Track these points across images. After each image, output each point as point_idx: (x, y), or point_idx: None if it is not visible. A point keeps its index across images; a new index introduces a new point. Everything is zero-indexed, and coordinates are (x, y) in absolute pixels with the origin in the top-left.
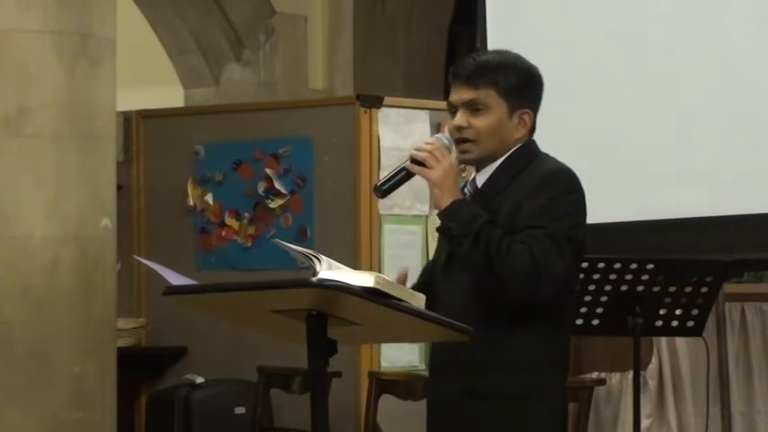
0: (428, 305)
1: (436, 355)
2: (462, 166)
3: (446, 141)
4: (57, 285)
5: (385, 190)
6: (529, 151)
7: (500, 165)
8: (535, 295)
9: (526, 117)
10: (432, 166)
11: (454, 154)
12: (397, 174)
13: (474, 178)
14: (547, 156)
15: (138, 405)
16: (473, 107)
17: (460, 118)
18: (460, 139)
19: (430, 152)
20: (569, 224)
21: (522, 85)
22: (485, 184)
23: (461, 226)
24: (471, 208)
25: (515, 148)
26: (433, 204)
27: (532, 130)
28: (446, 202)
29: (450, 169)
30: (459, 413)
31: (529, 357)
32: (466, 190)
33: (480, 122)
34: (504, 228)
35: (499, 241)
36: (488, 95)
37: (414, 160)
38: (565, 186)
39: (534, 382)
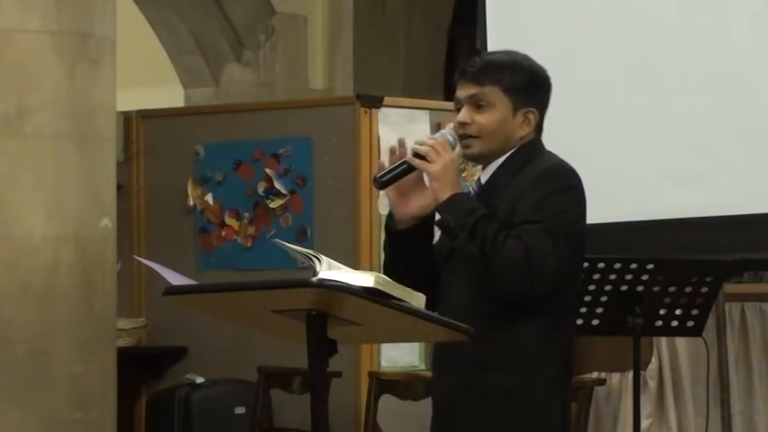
0: (429, 300)
1: (438, 352)
2: (462, 165)
3: (450, 138)
4: (57, 285)
5: (384, 182)
6: (532, 149)
7: (503, 162)
8: (529, 289)
9: (531, 116)
10: (433, 159)
11: (458, 150)
12: (397, 167)
13: (479, 177)
14: (549, 153)
15: (138, 405)
16: (477, 103)
17: (464, 114)
18: (464, 136)
19: (431, 146)
20: (567, 220)
21: (527, 84)
22: (487, 182)
23: (458, 219)
24: (469, 202)
25: (519, 146)
26: (433, 198)
27: (539, 129)
28: (445, 195)
29: (450, 164)
30: (460, 409)
31: (529, 354)
32: (470, 188)
33: (484, 119)
34: (503, 223)
35: (495, 235)
36: (493, 92)
37: (415, 154)
38: (563, 182)
39: (534, 378)
